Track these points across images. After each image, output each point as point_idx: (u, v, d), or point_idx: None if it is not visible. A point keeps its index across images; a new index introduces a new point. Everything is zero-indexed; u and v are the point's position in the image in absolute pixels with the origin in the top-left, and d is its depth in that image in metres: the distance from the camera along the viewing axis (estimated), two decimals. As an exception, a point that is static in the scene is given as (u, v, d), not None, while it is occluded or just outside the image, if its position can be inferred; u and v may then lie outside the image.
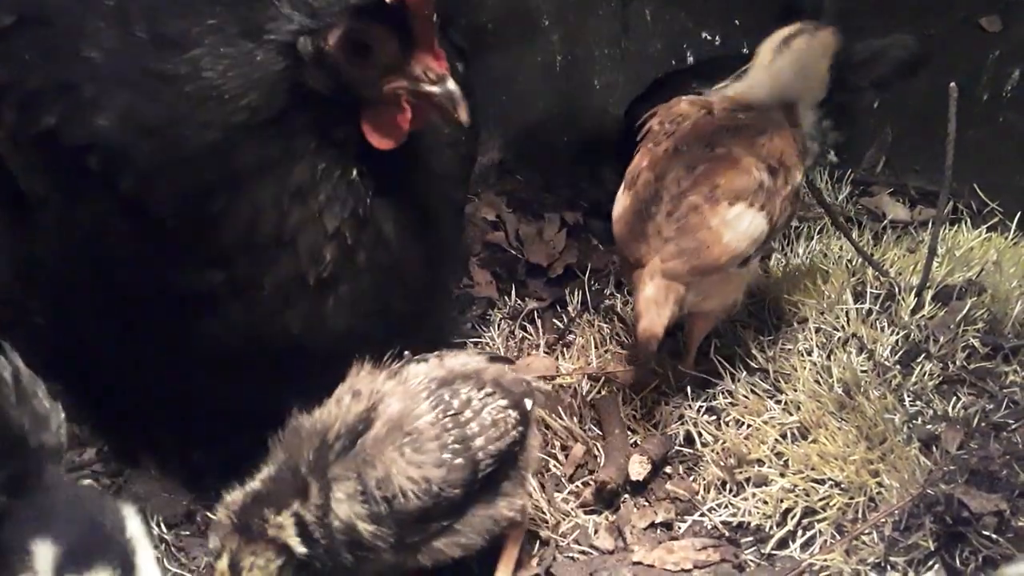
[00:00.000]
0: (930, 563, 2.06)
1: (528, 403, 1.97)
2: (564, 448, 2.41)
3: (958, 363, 2.50)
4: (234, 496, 1.80)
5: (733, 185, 2.28)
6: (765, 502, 2.23)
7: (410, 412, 1.84)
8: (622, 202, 2.38)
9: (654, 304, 2.23)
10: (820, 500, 2.20)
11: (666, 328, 2.24)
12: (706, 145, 2.34)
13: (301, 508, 1.77)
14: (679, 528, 2.24)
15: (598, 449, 2.40)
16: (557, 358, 2.65)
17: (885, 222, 3.18)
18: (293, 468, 1.81)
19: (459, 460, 1.83)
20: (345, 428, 1.83)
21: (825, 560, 2.09)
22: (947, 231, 2.98)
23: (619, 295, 2.82)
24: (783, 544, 2.17)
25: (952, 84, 2.52)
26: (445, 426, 1.84)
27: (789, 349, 2.56)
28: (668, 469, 2.38)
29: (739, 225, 2.27)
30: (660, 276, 2.24)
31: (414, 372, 1.92)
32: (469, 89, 2.31)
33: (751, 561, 2.15)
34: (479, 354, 2.03)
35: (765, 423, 2.37)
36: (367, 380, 1.90)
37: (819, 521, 2.18)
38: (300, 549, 1.76)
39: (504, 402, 1.92)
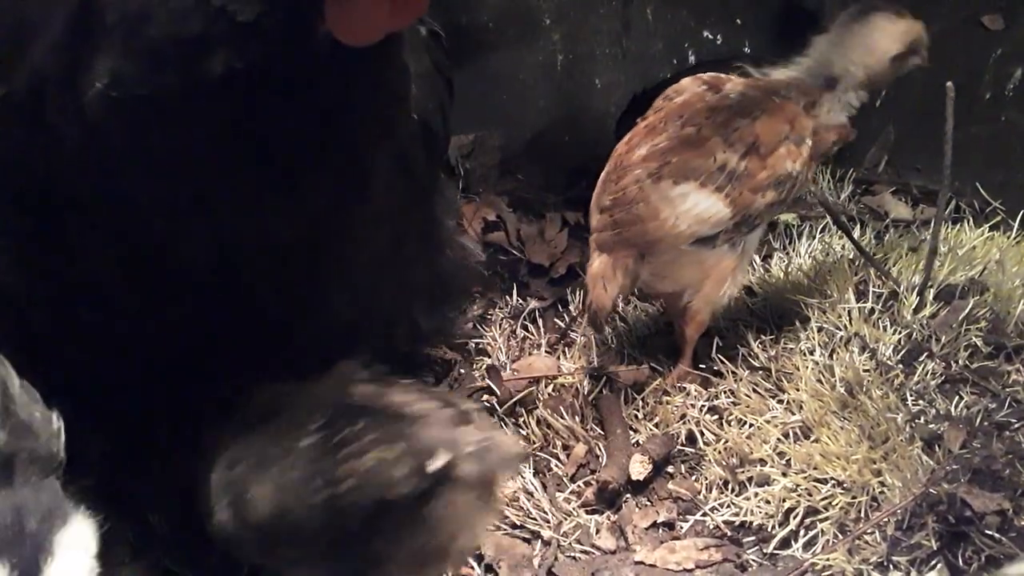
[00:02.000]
0: (933, 562, 2.05)
1: (437, 463, 1.60)
2: (566, 448, 2.41)
3: (961, 362, 2.49)
4: None
5: (686, 164, 2.28)
6: (767, 501, 2.23)
7: (300, 426, 1.65)
8: (602, 174, 2.41)
9: (600, 278, 2.29)
10: (822, 500, 2.20)
11: (616, 301, 2.30)
12: (680, 124, 2.34)
13: None
14: (681, 528, 2.23)
15: (600, 449, 2.39)
16: (559, 357, 2.64)
17: (887, 221, 3.18)
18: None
19: (320, 497, 1.60)
20: (244, 424, 1.69)
21: (828, 560, 2.08)
22: (949, 230, 2.97)
23: (620, 295, 2.82)
24: (785, 544, 2.16)
25: (949, 83, 2.51)
26: (322, 452, 1.62)
27: (791, 348, 2.55)
28: (670, 468, 2.38)
29: (681, 204, 2.26)
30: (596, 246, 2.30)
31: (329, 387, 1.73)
32: (442, 68, 2.25)
33: (753, 561, 2.14)
34: (430, 397, 1.74)
35: (767, 422, 2.37)
36: (315, 383, 1.74)
37: (821, 521, 2.17)
38: None
39: (398, 452, 1.60)
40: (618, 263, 2.30)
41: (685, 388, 2.49)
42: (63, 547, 1.30)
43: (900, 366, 2.46)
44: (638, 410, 2.47)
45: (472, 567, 2.09)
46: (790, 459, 2.28)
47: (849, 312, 2.59)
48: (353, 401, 1.69)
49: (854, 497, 2.19)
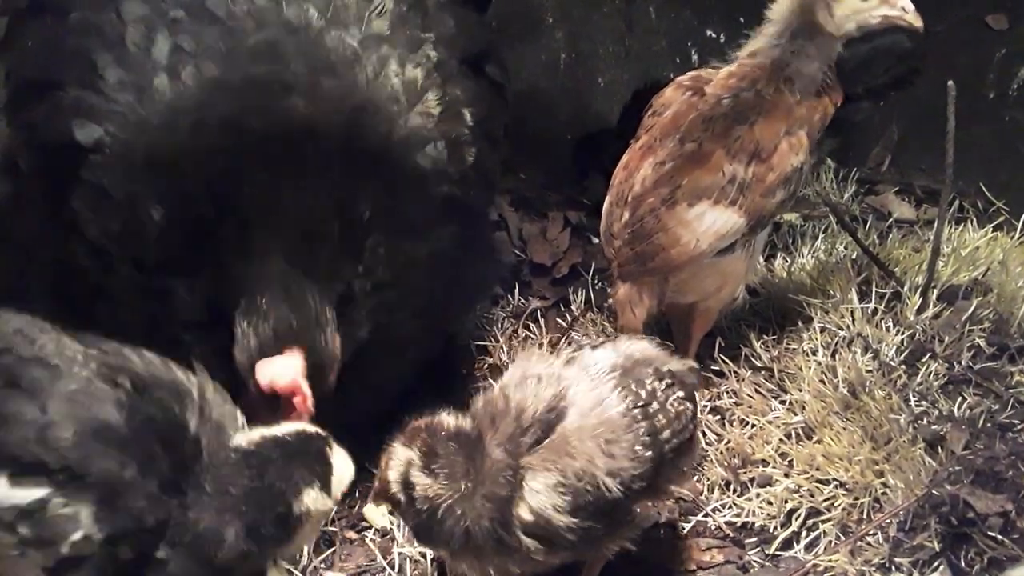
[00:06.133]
0: (935, 564, 2.05)
1: (697, 397, 1.95)
2: (567, 448, 2.40)
3: (964, 363, 2.49)
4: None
5: (697, 184, 2.27)
6: (769, 502, 2.22)
7: (601, 401, 1.82)
8: (606, 201, 2.40)
9: (628, 303, 2.31)
10: (825, 501, 2.20)
11: (646, 321, 2.32)
12: (679, 139, 2.32)
13: (415, 471, 1.75)
14: (683, 528, 2.23)
15: (601, 449, 2.39)
16: (560, 357, 2.64)
17: (890, 221, 3.17)
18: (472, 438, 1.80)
19: (649, 453, 1.81)
20: (537, 415, 1.80)
21: (830, 561, 2.08)
22: (953, 230, 2.97)
23: (623, 294, 2.81)
24: (787, 545, 2.16)
25: (950, 83, 2.50)
26: (635, 417, 1.82)
27: (794, 349, 2.55)
28: (672, 469, 2.37)
29: (699, 225, 2.26)
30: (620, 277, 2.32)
31: (593, 359, 1.89)
32: (498, 119, 2.30)
33: (755, 562, 2.14)
34: (643, 339, 2.00)
35: (770, 423, 2.37)
36: (537, 364, 1.88)
37: (824, 522, 2.17)
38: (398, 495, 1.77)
39: (682, 393, 1.89)
40: (643, 287, 2.31)
41: (687, 388, 2.48)
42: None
43: (903, 367, 2.46)
44: (640, 410, 2.46)
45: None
46: (792, 460, 2.28)
47: (852, 312, 2.58)
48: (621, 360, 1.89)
49: (856, 498, 2.19)
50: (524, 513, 1.76)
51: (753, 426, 2.38)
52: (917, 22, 2.29)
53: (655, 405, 1.84)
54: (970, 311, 2.57)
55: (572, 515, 1.76)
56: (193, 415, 1.61)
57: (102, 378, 1.56)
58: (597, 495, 1.76)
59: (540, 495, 1.75)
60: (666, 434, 1.83)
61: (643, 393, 1.84)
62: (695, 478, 2.33)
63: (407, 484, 1.75)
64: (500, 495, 1.75)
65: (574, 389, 1.83)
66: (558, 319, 2.78)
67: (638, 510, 1.89)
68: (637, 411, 1.82)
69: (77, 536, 1.46)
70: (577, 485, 1.75)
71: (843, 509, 2.18)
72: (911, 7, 2.29)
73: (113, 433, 1.51)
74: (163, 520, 1.52)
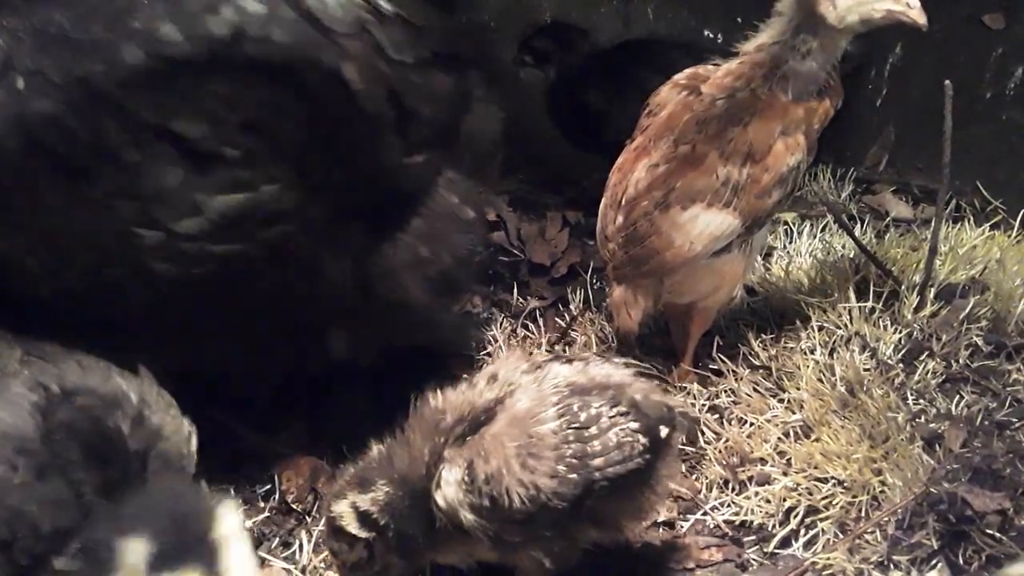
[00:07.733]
0: (933, 562, 2.05)
1: (663, 431, 1.88)
2: (566, 447, 2.41)
3: (961, 361, 2.49)
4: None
5: (690, 187, 2.27)
6: (768, 501, 2.23)
7: (536, 415, 1.82)
8: (601, 203, 2.41)
9: (624, 305, 2.32)
10: (823, 499, 2.20)
11: (642, 323, 2.35)
12: (673, 141, 2.31)
13: (357, 497, 1.82)
14: (681, 527, 2.23)
15: (600, 448, 2.39)
16: (559, 357, 2.64)
17: (888, 220, 3.18)
18: (391, 454, 1.86)
19: (573, 475, 1.79)
20: (471, 413, 1.84)
21: (828, 559, 2.08)
22: (950, 229, 2.97)
23: (621, 294, 2.81)
24: (786, 543, 2.16)
25: (947, 82, 2.50)
26: (566, 437, 1.80)
27: (792, 347, 2.55)
28: (670, 468, 2.38)
29: (693, 228, 2.26)
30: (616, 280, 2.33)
31: (553, 373, 1.89)
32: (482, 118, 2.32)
33: (754, 560, 2.14)
34: (627, 366, 1.96)
35: (768, 421, 2.37)
36: (508, 367, 1.90)
37: (822, 520, 2.17)
38: (362, 534, 1.82)
39: (636, 425, 1.84)
40: (639, 289, 2.32)
41: (686, 387, 2.49)
42: (229, 536, 1.56)
43: (901, 365, 2.47)
44: (639, 409, 2.47)
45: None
46: (791, 458, 2.28)
47: (850, 311, 2.59)
48: (581, 380, 1.88)
49: (855, 496, 2.19)
50: (440, 500, 1.81)
51: (751, 424, 2.38)
52: (921, 19, 2.24)
53: (593, 430, 1.81)
54: (968, 309, 2.57)
55: (477, 514, 1.79)
56: (127, 422, 1.62)
57: (28, 384, 1.57)
58: (501, 502, 1.77)
59: (451, 487, 1.79)
60: (598, 461, 1.80)
61: (583, 416, 1.82)
62: (694, 477, 2.34)
63: (365, 516, 1.82)
64: (420, 481, 1.82)
65: (518, 396, 1.85)
66: (557, 319, 2.79)
67: (581, 532, 1.90)
68: (570, 431, 1.80)
69: None
70: (483, 488, 1.77)
71: (841, 507, 2.18)
72: (916, 3, 2.24)
73: (14, 438, 1.51)
74: (64, 528, 1.50)
